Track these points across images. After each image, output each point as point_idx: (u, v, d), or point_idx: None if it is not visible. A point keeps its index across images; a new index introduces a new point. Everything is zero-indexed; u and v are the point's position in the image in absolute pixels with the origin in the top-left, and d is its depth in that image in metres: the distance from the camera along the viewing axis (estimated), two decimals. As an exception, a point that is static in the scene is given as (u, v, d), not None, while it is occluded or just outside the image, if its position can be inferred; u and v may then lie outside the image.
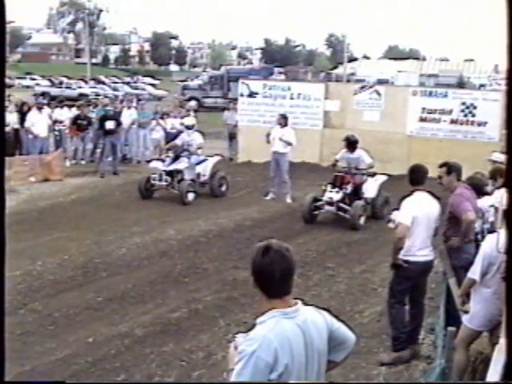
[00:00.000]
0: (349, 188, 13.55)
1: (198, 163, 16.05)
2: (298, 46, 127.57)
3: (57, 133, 20.23)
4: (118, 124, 19.03)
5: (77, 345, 7.45)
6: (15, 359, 6.62)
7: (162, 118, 21.24)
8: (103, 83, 61.61)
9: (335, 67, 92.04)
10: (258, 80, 25.85)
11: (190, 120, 17.20)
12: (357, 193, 13.68)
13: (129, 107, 21.27)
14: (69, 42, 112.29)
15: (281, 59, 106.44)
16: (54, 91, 48.53)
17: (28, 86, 56.62)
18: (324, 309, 3.37)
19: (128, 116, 20.58)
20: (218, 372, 6.47)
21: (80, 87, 53.83)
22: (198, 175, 16.01)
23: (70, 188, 16.78)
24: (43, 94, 36.80)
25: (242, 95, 21.88)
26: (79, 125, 19.93)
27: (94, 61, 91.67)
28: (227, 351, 3.28)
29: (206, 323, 8.19)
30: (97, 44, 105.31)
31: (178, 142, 16.19)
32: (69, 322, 8.16)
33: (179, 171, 15.55)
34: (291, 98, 21.08)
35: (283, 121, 15.65)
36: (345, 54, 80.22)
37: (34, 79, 63.52)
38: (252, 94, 21.52)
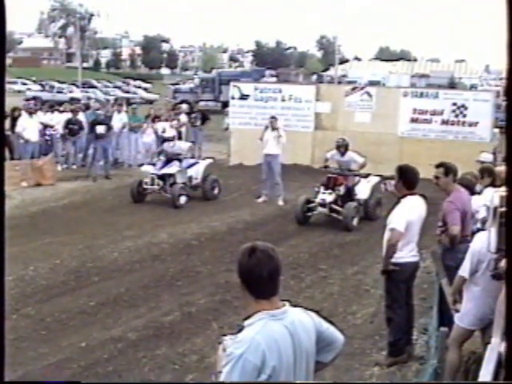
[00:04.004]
0: (341, 189, 13.55)
1: (190, 166, 16.06)
2: (289, 48, 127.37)
3: (48, 137, 20.16)
4: (109, 128, 19.03)
5: (70, 349, 7.43)
6: (8, 365, 6.51)
7: (153, 121, 21.20)
8: (95, 87, 61.44)
9: (326, 69, 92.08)
10: (249, 82, 25.86)
11: (169, 132, 17.29)
12: (349, 194, 13.68)
13: (119, 111, 21.23)
14: (60, 47, 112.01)
15: (272, 61, 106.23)
16: (45, 96, 48.30)
17: (19, 91, 56.36)
18: (316, 311, 3.37)
19: (118, 120, 20.53)
20: (212, 375, 6.46)
21: (71, 91, 53.59)
22: (190, 178, 16.01)
23: (62, 192, 16.73)
24: (34, 99, 36.65)
25: (233, 98, 21.89)
26: (70, 129, 19.90)
27: (85, 65, 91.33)
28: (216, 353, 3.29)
29: (199, 326, 8.19)
30: (88, 48, 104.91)
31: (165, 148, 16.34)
32: (62, 326, 8.14)
33: (171, 175, 15.54)
34: (282, 100, 21.09)
35: (276, 123, 15.68)
36: (336, 56, 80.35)
37: (25, 84, 63.30)
38: (243, 97, 21.53)
